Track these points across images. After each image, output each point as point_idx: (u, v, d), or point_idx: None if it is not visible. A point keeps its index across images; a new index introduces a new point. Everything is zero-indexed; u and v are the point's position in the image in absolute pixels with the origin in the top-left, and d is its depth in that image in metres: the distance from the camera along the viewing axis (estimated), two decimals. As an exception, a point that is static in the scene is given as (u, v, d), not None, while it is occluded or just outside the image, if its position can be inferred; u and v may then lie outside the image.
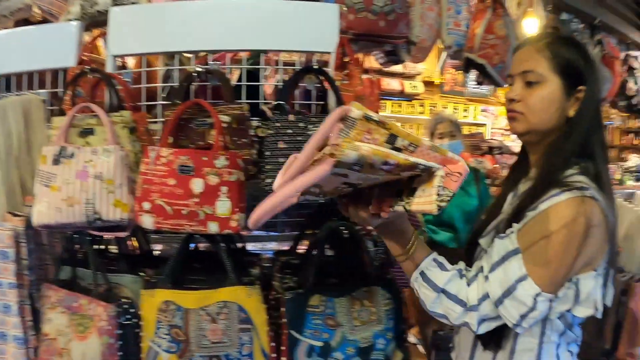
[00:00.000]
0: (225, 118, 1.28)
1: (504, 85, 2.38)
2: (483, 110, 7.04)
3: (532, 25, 2.66)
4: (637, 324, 2.30)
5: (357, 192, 0.83)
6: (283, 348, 1.16)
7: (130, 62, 1.73)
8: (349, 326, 1.21)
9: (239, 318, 1.16)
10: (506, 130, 7.36)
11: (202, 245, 1.48)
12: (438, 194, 0.73)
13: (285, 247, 1.79)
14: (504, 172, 4.74)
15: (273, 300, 1.28)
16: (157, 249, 1.71)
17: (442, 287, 0.95)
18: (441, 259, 1.00)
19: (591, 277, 0.92)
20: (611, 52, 2.87)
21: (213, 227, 1.14)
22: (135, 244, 1.53)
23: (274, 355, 1.18)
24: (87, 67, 1.37)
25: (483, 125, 6.94)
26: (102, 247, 1.43)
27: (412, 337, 2.64)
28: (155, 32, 1.49)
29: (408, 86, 5.81)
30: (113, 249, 1.46)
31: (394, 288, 1.31)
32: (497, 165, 4.80)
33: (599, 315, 0.94)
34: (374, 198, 0.83)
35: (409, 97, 6.05)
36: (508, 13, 2.25)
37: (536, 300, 0.87)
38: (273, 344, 1.18)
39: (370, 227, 1.14)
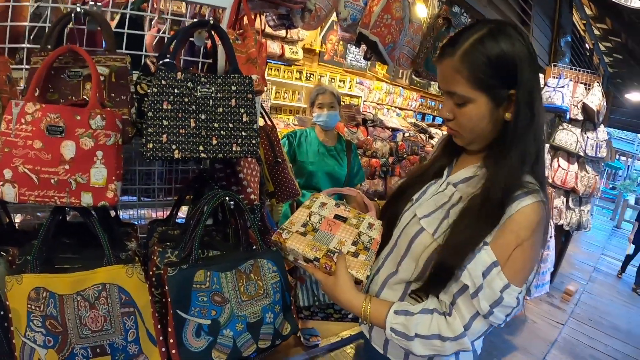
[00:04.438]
0: (104, 70, 1.15)
1: (391, 64, 2.51)
2: (359, 83, 7.38)
3: (422, 11, 2.84)
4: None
5: None
6: (170, 329, 1.10)
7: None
8: (237, 301, 1.20)
9: (120, 301, 1.07)
10: (378, 104, 7.85)
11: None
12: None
13: (160, 213, 1.71)
14: (376, 144, 5.07)
15: (153, 277, 1.22)
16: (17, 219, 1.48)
17: (413, 335, 0.99)
18: (403, 306, 1.04)
19: None
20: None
21: (87, 199, 1.03)
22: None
23: (161, 338, 1.12)
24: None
25: (358, 97, 7.29)
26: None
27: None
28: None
29: (288, 51, 5.80)
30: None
31: (280, 260, 1.32)
32: (370, 138, 5.11)
33: (530, 297, 1.09)
34: None
35: (288, 62, 6.05)
36: (407, -4, 2.35)
37: (518, 298, 0.96)
38: (159, 327, 1.12)
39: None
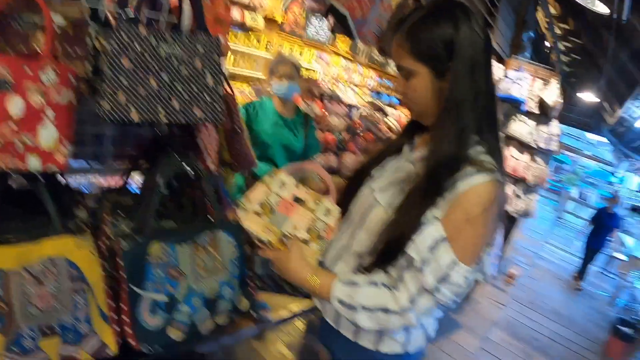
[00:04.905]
0: (59, 20, 1.06)
1: (357, 39, 2.49)
2: (318, 57, 7.29)
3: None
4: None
5: None
6: (124, 306, 1.04)
7: None
8: (194, 276, 1.15)
9: (69, 276, 0.99)
10: (335, 79, 7.81)
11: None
12: None
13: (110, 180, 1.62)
14: (330, 119, 5.07)
15: (105, 249, 1.15)
16: None
17: (358, 306, 1.04)
18: (350, 277, 1.09)
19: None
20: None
21: (34, 163, 0.95)
22: None
23: (114, 315, 1.05)
24: None
25: (315, 71, 7.21)
26: None
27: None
28: None
29: (248, 18, 5.63)
30: None
31: (238, 233, 1.27)
32: (325, 112, 5.10)
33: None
34: None
35: (247, 29, 5.89)
36: (380, -28, 2.32)
37: (467, 277, 1.00)
38: (112, 303, 1.06)
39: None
